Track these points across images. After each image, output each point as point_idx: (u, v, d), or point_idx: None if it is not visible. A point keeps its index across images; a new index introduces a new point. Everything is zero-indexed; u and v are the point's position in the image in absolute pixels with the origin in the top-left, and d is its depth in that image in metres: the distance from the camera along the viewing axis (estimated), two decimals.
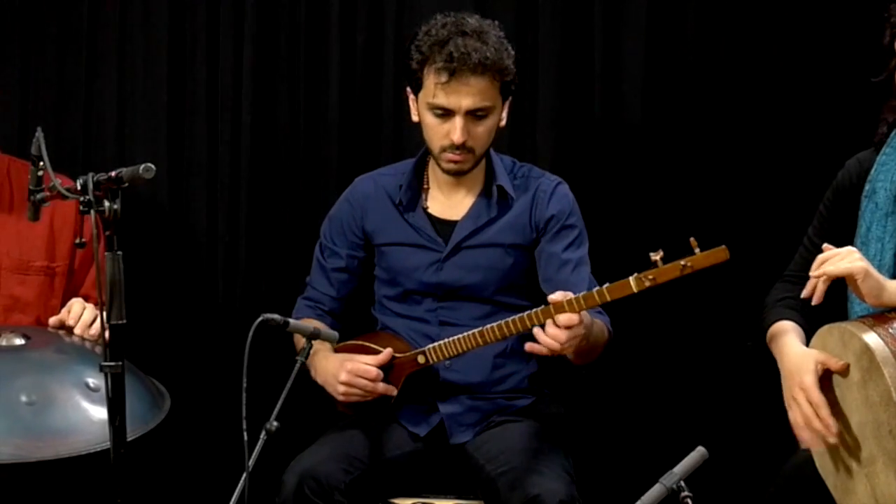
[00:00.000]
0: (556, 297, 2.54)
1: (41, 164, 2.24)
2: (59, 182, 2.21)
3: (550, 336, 2.52)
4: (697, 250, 2.45)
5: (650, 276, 2.48)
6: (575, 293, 2.55)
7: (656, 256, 2.46)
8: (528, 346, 2.58)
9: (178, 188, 3.41)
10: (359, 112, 3.35)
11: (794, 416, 2.31)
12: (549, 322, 2.54)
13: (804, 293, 2.29)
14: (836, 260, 2.24)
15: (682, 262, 2.46)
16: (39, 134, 2.24)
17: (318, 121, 3.38)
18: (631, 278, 2.49)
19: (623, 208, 3.26)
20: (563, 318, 2.50)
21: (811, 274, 2.27)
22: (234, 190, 3.39)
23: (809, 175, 2.89)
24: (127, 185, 2.14)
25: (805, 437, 2.29)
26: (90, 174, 2.15)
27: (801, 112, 3.17)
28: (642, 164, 3.25)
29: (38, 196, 2.29)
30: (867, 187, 2.44)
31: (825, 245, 2.29)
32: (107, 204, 2.12)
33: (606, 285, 2.51)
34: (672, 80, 3.24)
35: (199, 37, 3.39)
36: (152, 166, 2.13)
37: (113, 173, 2.14)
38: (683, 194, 3.24)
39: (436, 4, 3.17)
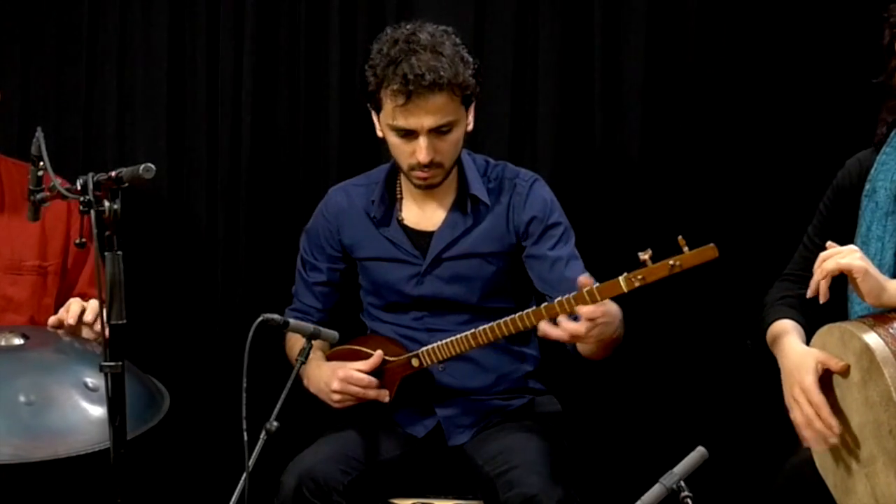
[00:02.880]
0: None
1: (41, 164, 2.24)
2: (58, 182, 2.21)
3: (567, 330, 2.49)
4: (686, 249, 2.43)
5: (639, 276, 2.47)
6: (573, 288, 2.56)
7: (645, 256, 2.45)
8: (543, 329, 2.53)
9: (178, 188, 3.41)
10: (359, 112, 3.33)
11: (796, 417, 2.31)
12: (561, 319, 2.51)
13: (809, 293, 2.29)
14: (837, 257, 2.24)
15: (671, 262, 2.45)
16: (39, 134, 2.24)
17: (318, 121, 3.38)
18: (621, 278, 2.48)
19: (623, 208, 3.25)
20: (587, 309, 2.47)
21: (815, 273, 2.27)
22: (234, 190, 3.39)
23: (809, 174, 2.89)
24: (127, 185, 2.14)
25: (807, 436, 2.29)
26: (90, 174, 2.15)
27: (802, 112, 3.17)
28: (642, 165, 3.25)
29: (38, 196, 2.29)
30: (867, 186, 2.44)
31: (829, 243, 2.29)
32: (107, 204, 2.12)
33: (596, 285, 2.50)
34: (672, 81, 3.24)
35: (199, 37, 3.39)
36: (152, 166, 2.13)
37: (113, 173, 2.14)
38: (684, 194, 3.24)
39: (435, 4, 3.17)
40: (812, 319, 2.43)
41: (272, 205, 3.39)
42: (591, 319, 2.47)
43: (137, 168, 2.12)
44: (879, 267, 2.35)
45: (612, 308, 2.52)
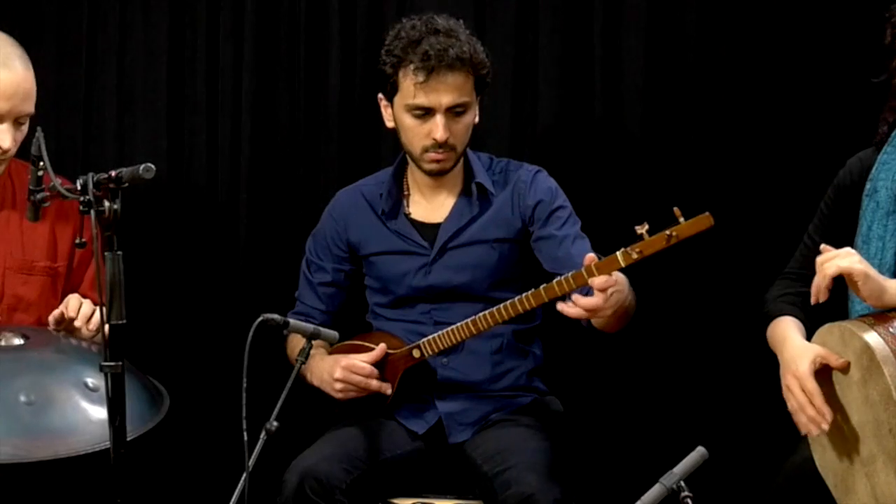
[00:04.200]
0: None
1: (41, 164, 2.25)
2: (59, 182, 2.21)
3: (582, 305, 2.48)
4: (682, 219, 2.44)
5: (637, 250, 2.47)
6: (580, 263, 2.56)
7: (642, 229, 2.45)
8: (562, 308, 2.51)
9: (178, 188, 3.41)
10: (359, 111, 3.34)
11: (790, 404, 2.31)
12: (576, 297, 2.51)
13: (813, 300, 2.29)
14: (837, 260, 2.24)
15: (668, 232, 2.45)
16: (39, 134, 2.24)
17: (318, 121, 3.38)
18: (618, 253, 2.49)
19: (623, 209, 3.25)
20: (598, 280, 2.46)
21: (816, 278, 2.27)
22: (234, 190, 3.39)
23: (810, 174, 2.89)
24: (127, 185, 2.14)
25: (800, 422, 2.29)
26: (90, 174, 2.15)
27: (802, 111, 3.17)
28: (642, 165, 3.25)
29: (38, 196, 2.29)
30: (868, 186, 2.44)
31: (823, 246, 2.29)
32: (107, 204, 2.12)
33: (594, 262, 2.50)
34: (672, 81, 3.24)
35: (199, 37, 3.39)
36: (152, 166, 2.13)
37: (113, 173, 2.14)
38: (684, 194, 3.23)
39: (435, 4, 3.17)
40: (812, 318, 2.43)
41: (272, 205, 3.39)
42: (603, 290, 2.47)
43: (137, 168, 2.12)
44: (880, 266, 2.35)
45: (620, 276, 2.54)
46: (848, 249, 2.27)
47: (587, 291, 2.52)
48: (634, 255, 2.47)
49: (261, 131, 3.38)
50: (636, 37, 3.23)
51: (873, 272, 2.24)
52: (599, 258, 2.52)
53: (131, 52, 3.41)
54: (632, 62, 3.25)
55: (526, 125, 3.31)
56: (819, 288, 2.26)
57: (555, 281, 2.57)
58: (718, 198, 3.22)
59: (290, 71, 3.38)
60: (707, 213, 2.45)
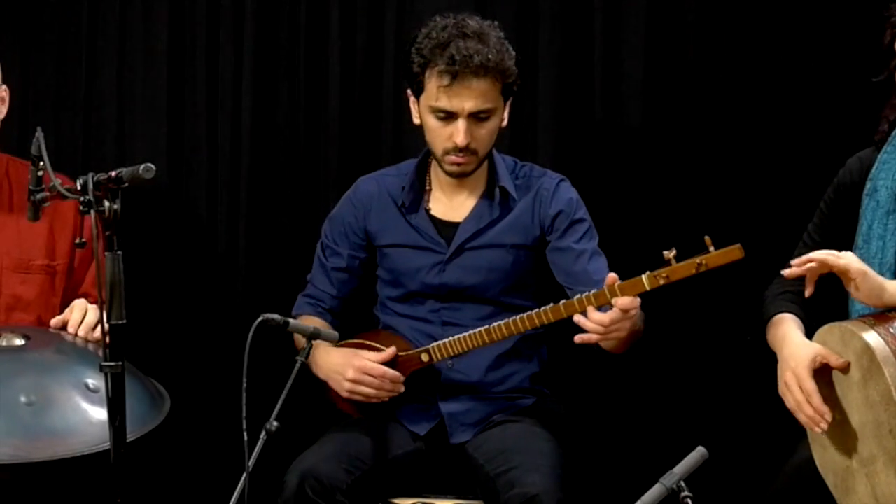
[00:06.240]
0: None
1: (41, 164, 2.25)
2: (59, 182, 2.21)
3: (595, 321, 2.51)
4: (712, 248, 2.44)
5: (664, 275, 2.48)
6: (596, 280, 2.57)
7: (670, 255, 2.46)
8: (578, 338, 2.54)
9: (178, 188, 3.41)
10: (359, 112, 3.35)
11: (788, 402, 2.31)
12: (590, 310, 2.52)
13: (792, 268, 2.28)
14: (837, 256, 2.24)
15: (698, 261, 2.45)
16: (39, 134, 2.24)
17: (318, 121, 3.38)
18: (644, 276, 2.49)
19: (623, 208, 3.25)
20: (623, 301, 2.48)
21: (810, 255, 2.27)
22: (234, 190, 3.39)
23: (810, 173, 2.89)
24: (127, 185, 2.15)
25: (801, 420, 2.29)
26: (90, 174, 2.15)
27: (803, 110, 3.17)
28: (643, 164, 3.25)
29: (39, 196, 2.29)
30: (868, 185, 2.45)
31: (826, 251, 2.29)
32: (107, 204, 2.12)
33: (618, 283, 2.51)
34: (672, 81, 3.24)
35: (199, 37, 3.39)
36: (152, 166, 2.13)
37: (113, 173, 2.15)
38: (683, 193, 3.24)
39: (436, 5, 3.17)
40: (812, 318, 2.43)
41: (272, 205, 3.39)
42: (625, 311, 2.48)
43: (137, 168, 2.12)
44: (880, 265, 2.35)
45: (637, 302, 2.54)
46: (848, 253, 2.27)
47: (604, 310, 2.53)
48: (661, 281, 2.48)
49: (261, 131, 3.38)
50: (636, 36, 3.23)
51: (872, 273, 2.24)
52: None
53: (131, 53, 3.41)
54: (632, 62, 3.24)
55: (526, 125, 3.30)
56: (807, 261, 2.24)
57: (575, 298, 2.57)
58: (718, 197, 3.23)
59: (290, 71, 3.38)
60: (738, 245, 2.45)
